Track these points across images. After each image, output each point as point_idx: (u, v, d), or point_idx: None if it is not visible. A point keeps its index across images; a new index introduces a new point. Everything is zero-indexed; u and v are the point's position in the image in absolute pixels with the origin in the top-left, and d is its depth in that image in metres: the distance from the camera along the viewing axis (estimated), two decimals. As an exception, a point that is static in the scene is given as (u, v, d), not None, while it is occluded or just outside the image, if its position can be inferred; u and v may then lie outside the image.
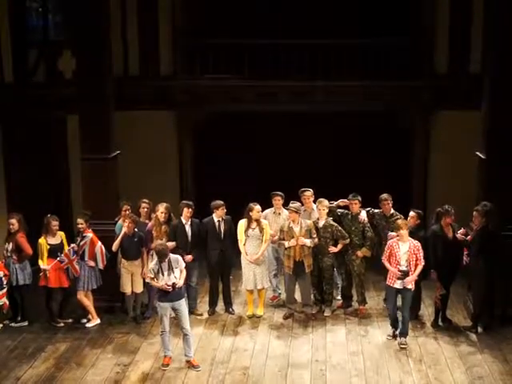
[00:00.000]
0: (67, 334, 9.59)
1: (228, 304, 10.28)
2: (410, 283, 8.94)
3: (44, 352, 9.04)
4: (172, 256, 8.55)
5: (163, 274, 8.40)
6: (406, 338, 9.10)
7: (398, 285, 8.98)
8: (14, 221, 9.64)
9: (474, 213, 9.36)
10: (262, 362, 8.67)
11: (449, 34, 12.30)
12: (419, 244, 9.00)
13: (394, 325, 9.30)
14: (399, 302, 9.25)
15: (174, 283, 8.37)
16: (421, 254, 8.95)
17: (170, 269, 8.42)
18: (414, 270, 8.94)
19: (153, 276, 8.48)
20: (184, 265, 8.71)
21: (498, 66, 9.56)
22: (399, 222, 9.10)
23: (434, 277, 9.52)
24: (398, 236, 9.00)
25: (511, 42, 9.33)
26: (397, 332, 9.23)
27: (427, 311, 10.09)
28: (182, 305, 8.54)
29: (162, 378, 8.35)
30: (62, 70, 12.36)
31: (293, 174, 12.23)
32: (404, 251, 8.93)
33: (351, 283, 10.28)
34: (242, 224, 9.93)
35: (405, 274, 8.92)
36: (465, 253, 9.46)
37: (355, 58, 12.27)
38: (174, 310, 8.52)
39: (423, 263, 8.97)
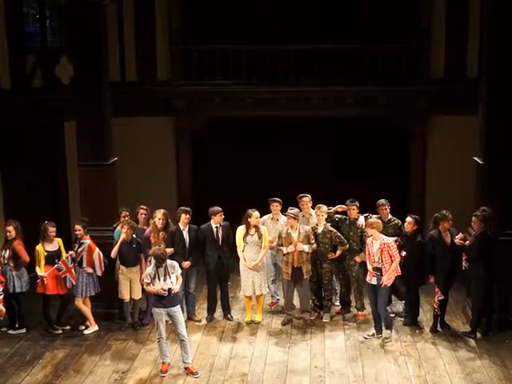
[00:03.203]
0: (65, 340, 9.56)
1: (226, 310, 10.26)
2: (385, 281, 9.12)
3: (42, 359, 9.01)
4: (169, 262, 8.54)
5: (159, 279, 8.39)
6: (389, 330, 9.35)
7: (373, 281, 9.21)
8: (10, 228, 9.61)
9: (473, 218, 9.35)
10: (260, 369, 8.65)
11: (445, 38, 12.34)
12: (390, 242, 9.18)
13: (377, 324, 9.42)
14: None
15: (169, 288, 8.36)
16: (394, 251, 9.14)
17: (167, 274, 8.42)
18: (389, 268, 9.14)
19: (149, 281, 8.47)
20: (180, 271, 8.70)
21: (494, 70, 9.56)
22: (369, 220, 9.34)
23: (432, 282, 9.53)
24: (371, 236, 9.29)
25: (508, 47, 9.34)
26: (375, 331, 9.41)
27: (426, 317, 10.08)
28: (177, 311, 8.52)
29: (160, 384, 8.35)
30: (60, 76, 12.36)
31: (291, 179, 12.25)
32: (376, 249, 9.16)
33: (350, 289, 10.28)
34: (240, 230, 9.91)
35: (378, 271, 9.15)
36: (463, 258, 9.46)
37: (352, 63, 12.30)
38: (170, 316, 8.50)
39: (398, 259, 9.16)
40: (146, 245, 9.80)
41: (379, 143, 12.85)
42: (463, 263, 9.46)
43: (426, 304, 10.34)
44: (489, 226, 9.23)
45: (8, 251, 9.60)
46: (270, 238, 10.01)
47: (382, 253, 9.12)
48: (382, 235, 9.23)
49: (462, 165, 11.51)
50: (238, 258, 10.04)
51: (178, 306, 8.61)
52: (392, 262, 9.11)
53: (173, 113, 12.88)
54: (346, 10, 12.55)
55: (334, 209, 10.21)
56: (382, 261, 9.12)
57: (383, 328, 9.38)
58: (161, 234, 9.84)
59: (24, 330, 9.81)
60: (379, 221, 9.39)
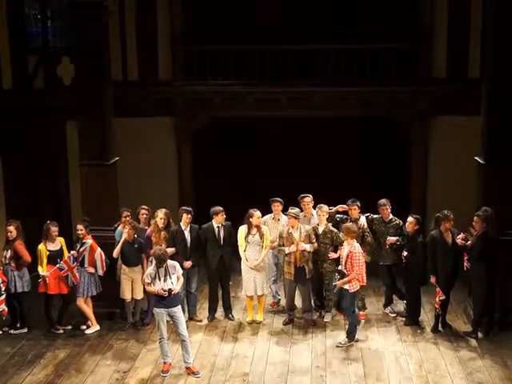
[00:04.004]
0: (66, 340, 9.57)
1: (228, 310, 10.26)
2: (339, 284, 9.22)
3: (43, 359, 9.02)
4: (169, 262, 8.54)
5: (160, 280, 8.40)
6: (348, 338, 9.25)
7: (338, 286, 9.29)
8: (12, 228, 9.61)
9: (475, 218, 9.34)
10: (261, 369, 8.65)
11: (447, 38, 12.31)
12: (357, 252, 9.08)
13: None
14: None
15: (169, 289, 8.36)
16: (355, 262, 9.04)
17: (167, 274, 8.42)
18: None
19: (149, 281, 8.47)
20: (181, 271, 8.71)
21: (496, 70, 9.56)
22: (345, 225, 9.36)
23: (433, 282, 9.52)
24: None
25: (509, 47, 9.34)
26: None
27: (427, 317, 10.07)
28: (178, 311, 8.52)
29: (161, 384, 8.36)
30: (61, 77, 12.37)
31: (292, 179, 12.24)
32: (345, 254, 9.19)
33: (351, 289, 10.28)
34: (242, 230, 9.92)
35: (342, 275, 9.18)
36: (465, 258, 9.45)
37: (354, 63, 12.29)
38: (170, 316, 8.50)
39: (357, 271, 9.04)
40: (147, 245, 9.81)
41: (380, 143, 12.83)
42: (465, 263, 9.45)
43: (427, 304, 10.34)
44: (490, 226, 9.22)
45: (9, 251, 9.61)
46: (271, 238, 10.01)
47: (347, 259, 9.12)
48: (354, 243, 9.17)
49: (463, 165, 11.49)
50: (239, 258, 10.04)
51: (179, 306, 8.61)
52: (351, 271, 9.08)
53: (174, 113, 12.88)
54: (346, 10, 12.53)
55: (335, 209, 10.21)
56: (346, 267, 9.13)
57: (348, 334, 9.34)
58: (162, 233, 9.84)
59: (25, 330, 9.82)
60: (355, 227, 9.34)
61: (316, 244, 9.73)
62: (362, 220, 9.97)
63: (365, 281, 9.28)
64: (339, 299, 9.77)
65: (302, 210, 10.08)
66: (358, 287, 9.23)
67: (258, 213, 9.85)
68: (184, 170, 13.16)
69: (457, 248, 9.44)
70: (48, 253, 9.60)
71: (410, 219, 9.65)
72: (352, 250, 9.10)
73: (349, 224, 9.49)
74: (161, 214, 9.83)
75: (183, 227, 9.86)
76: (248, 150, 12.97)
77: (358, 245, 9.24)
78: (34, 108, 11.83)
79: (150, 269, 8.58)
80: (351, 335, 9.28)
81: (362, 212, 10.09)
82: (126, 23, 12.53)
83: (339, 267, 9.30)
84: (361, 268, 9.12)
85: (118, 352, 9.20)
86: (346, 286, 9.15)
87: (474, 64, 12.13)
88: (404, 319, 9.98)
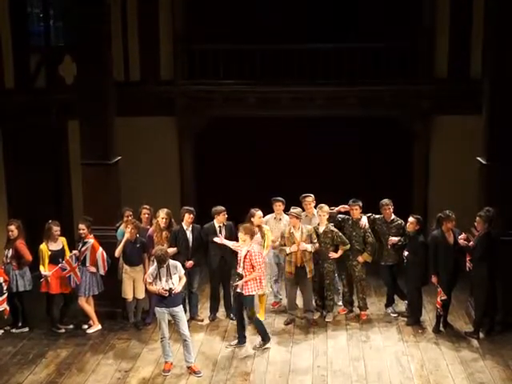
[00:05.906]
0: (68, 339, 9.58)
1: (229, 310, 10.26)
2: (239, 287, 8.95)
3: (45, 358, 9.03)
4: (171, 262, 8.55)
5: (161, 279, 8.41)
6: (263, 341, 9.14)
7: (238, 288, 9.03)
8: (13, 227, 9.62)
9: (477, 218, 9.32)
10: (263, 368, 8.66)
11: (449, 38, 12.31)
12: (256, 251, 8.92)
13: (239, 333, 9.29)
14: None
15: (170, 289, 8.37)
16: (256, 261, 8.85)
17: (168, 274, 8.43)
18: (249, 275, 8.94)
19: (151, 281, 8.48)
20: (183, 271, 8.71)
21: (497, 70, 9.56)
22: (242, 225, 9.11)
23: (434, 282, 9.52)
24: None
25: (511, 46, 9.33)
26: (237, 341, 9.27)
27: (428, 317, 10.08)
28: (180, 311, 8.54)
29: (162, 384, 8.37)
30: (63, 76, 12.38)
31: (294, 179, 12.24)
32: (242, 255, 8.98)
33: (352, 289, 10.28)
34: (243, 229, 9.92)
35: (240, 277, 8.96)
36: (468, 258, 9.43)
37: (355, 62, 12.29)
38: (172, 315, 8.52)
39: (258, 272, 8.89)
40: (149, 244, 9.81)
41: (382, 143, 12.83)
42: (467, 263, 9.44)
43: (428, 304, 10.35)
44: (492, 227, 9.21)
45: (11, 250, 9.63)
46: (272, 238, 10.02)
47: (245, 260, 8.93)
48: (253, 243, 9.01)
49: (464, 164, 11.49)
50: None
51: (181, 305, 8.62)
52: (252, 272, 8.90)
53: (175, 112, 12.89)
54: (347, 9, 12.52)
55: (336, 209, 10.21)
56: (244, 268, 8.95)
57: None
58: (164, 233, 9.85)
59: (27, 329, 9.82)
60: (252, 227, 9.16)
61: (317, 244, 9.73)
62: (364, 220, 9.97)
63: (263, 287, 9.15)
64: (235, 303, 9.40)
65: (303, 210, 10.09)
66: (256, 291, 9.05)
67: (259, 212, 9.86)
68: (185, 169, 13.18)
69: (458, 248, 9.43)
70: (50, 252, 9.60)
71: (410, 219, 9.65)
72: (250, 250, 8.91)
73: (247, 224, 9.29)
74: (162, 213, 9.84)
75: (185, 227, 9.87)
76: (250, 149, 12.97)
77: (256, 245, 9.11)
78: (35, 107, 11.84)
79: (152, 268, 8.58)
80: (265, 337, 9.16)
81: (364, 212, 10.09)
82: (128, 23, 12.55)
83: (239, 270, 8.99)
84: (261, 268, 8.94)
85: (120, 351, 9.21)
86: (243, 290, 8.94)
87: (476, 63, 12.13)
88: (405, 319, 9.98)
